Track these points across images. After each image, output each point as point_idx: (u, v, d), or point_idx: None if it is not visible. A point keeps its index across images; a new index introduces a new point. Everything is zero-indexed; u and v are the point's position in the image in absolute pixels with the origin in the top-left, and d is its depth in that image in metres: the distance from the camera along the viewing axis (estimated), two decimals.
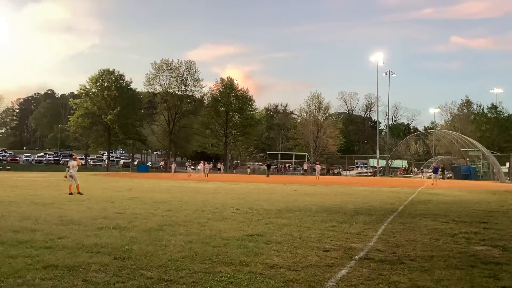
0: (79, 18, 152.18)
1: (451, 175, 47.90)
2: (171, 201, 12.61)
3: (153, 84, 69.21)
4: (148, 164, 69.78)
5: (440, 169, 36.38)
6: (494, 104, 68.87)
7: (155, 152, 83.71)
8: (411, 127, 66.26)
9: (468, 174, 46.54)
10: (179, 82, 67.83)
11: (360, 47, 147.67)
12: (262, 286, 4.17)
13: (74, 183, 15.00)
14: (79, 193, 14.51)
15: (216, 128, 66.24)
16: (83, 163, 61.45)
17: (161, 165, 55.11)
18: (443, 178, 43.64)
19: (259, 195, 16.35)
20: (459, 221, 9.41)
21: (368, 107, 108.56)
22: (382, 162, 62.45)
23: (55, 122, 75.33)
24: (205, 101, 68.23)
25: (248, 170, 58.60)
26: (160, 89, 67.93)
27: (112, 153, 70.92)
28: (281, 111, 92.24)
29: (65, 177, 15.41)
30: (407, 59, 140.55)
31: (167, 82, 68.14)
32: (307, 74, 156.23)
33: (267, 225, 8.13)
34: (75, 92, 63.22)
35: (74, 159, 16.24)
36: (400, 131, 66.70)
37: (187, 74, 68.80)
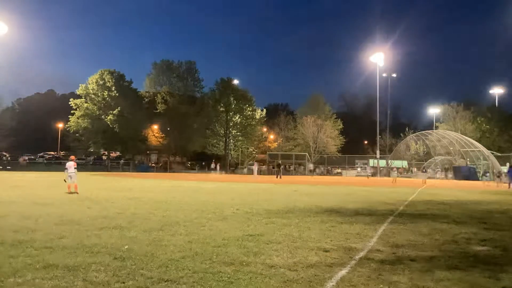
0: None
1: (451, 175, 47.89)
2: (171, 201, 12.60)
3: (154, 84, 69.33)
4: (150, 164, 69.70)
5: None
6: (494, 104, 68.90)
7: (154, 153, 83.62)
8: (411, 127, 66.12)
9: (467, 175, 46.57)
10: (179, 82, 67.89)
11: (361, 47, 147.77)
12: (262, 286, 4.17)
13: (72, 183, 15.46)
14: (74, 192, 14.91)
15: (216, 128, 66.26)
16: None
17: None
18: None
19: (259, 195, 16.33)
20: (459, 221, 9.41)
21: (368, 108, 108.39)
22: (382, 162, 62.41)
23: (55, 122, 75.34)
24: (205, 101, 68.18)
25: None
26: (161, 89, 68.01)
27: (112, 153, 70.90)
28: (281, 111, 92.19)
29: (64, 180, 15.87)
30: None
31: (167, 82, 68.22)
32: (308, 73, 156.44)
33: (267, 225, 8.12)
34: (75, 92, 63.09)
35: (71, 160, 16.63)
36: (400, 131, 66.55)
37: (187, 74, 68.88)
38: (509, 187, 27.46)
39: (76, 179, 15.65)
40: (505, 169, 46.90)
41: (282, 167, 47.16)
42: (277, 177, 40.20)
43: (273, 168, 44.04)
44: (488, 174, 42.38)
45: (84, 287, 4.03)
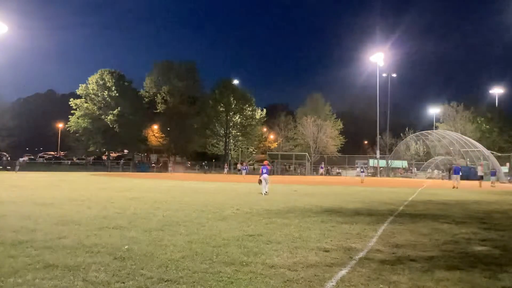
0: None
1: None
2: (171, 201, 12.60)
3: (154, 84, 69.30)
4: (151, 164, 69.67)
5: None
6: (494, 104, 68.85)
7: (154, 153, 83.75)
8: (411, 127, 66.08)
9: (467, 175, 46.53)
10: (179, 82, 67.81)
11: (361, 47, 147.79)
12: (262, 286, 4.17)
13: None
14: None
15: (216, 128, 66.27)
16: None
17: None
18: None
19: (259, 195, 16.32)
20: (459, 221, 9.41)
21: (368, 107, 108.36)
22: (382, 162, 62.40)
23: (55, 122, 75.50)
24: (205, 101, 68.15)
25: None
26: (161, 89, 67.96)
27: (112, 153, 70.93)
28: (281, 111, 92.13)
29: None
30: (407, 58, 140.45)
31: (167, 82, 68.17)
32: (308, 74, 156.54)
33: (267, 225, 8.12)
34: (75, 92, 63.11)
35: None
36: (400, 131, 66.53)
37: (187, 74, 68.81)
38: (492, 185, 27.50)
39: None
40: (505, 169, 46.93)
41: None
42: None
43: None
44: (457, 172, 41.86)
45: (84, 287, 4.03)
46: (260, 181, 16.38)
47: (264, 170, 16.64)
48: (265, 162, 17.81)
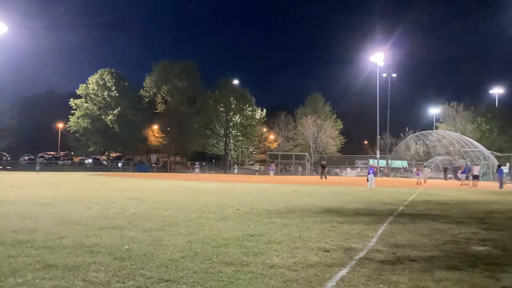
0: None
1: (451, 176, 47.81)
2: (171, 201, 12.59)
3: (154, 84, 69.29)
4: (151, 164, 69.67)
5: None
6: (494, 104, 68.86)
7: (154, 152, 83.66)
8: (411, 127, 66.06)
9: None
10: (179, 82, 67.83)
11: (361, 47, 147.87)
12: (262, 286, 4.17)
13: None
14: None
15: (216, 128, 66.25)
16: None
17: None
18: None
19: (259, 195, 16.33)
20: (459, 221, 9.41)
21: (368, 108, 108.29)
22: (382, 162, 62.39)
23: (55, 122, 75.41)
24: (205, 101, 68.16)
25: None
26: (161, 89, 67.98)
27: (112, 153, 70.88)
28: (281, 111, 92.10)
29: None
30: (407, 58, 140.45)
31: (167, 82, 68.18)
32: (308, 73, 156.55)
33: (267, 225, 8.12)
34: (75, 92, 63.06)
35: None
36: (400, 131, 66.56)
37: (187, 74, 68.82)
38: (501, 187, 27.44)
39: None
40: (505, 169, 46.89)
41: (326, 168, 45.23)
42: (321, 177, 39.21)
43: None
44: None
45: (84, 287, 4.03)
46: (368, 179, 21.47)
47: (371, 171, 21.83)
48: (371, 165, 26.48)
